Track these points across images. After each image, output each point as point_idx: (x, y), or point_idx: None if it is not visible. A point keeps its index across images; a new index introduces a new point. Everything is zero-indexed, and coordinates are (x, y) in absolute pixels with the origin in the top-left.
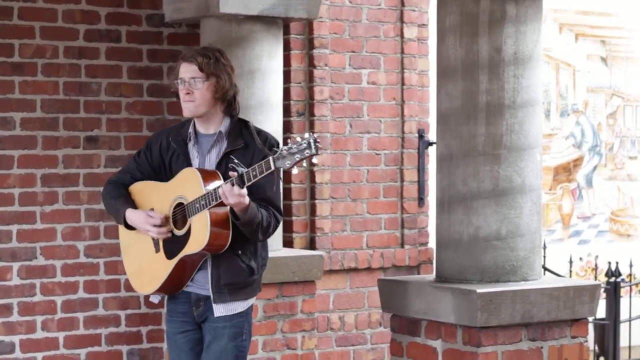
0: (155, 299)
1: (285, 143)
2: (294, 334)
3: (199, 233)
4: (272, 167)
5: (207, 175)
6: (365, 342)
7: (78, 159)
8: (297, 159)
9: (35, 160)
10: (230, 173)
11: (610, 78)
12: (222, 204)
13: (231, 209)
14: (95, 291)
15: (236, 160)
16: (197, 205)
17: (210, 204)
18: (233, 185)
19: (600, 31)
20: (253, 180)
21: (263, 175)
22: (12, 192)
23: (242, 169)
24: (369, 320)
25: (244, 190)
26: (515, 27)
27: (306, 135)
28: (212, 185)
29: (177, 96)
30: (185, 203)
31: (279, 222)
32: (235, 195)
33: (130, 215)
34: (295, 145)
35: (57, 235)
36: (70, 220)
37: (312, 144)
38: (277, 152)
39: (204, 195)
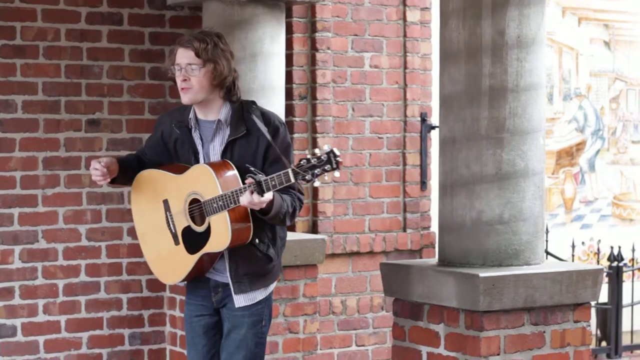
0: (181, 283)
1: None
2: (296, 318)
3: (221, 234)
4: (292, 180)
5: (219, 169)
6: (368, 326)
7: (80, 142)
8: (318, 174)
9: (36, 143)
10: (247, 180)
11: (613, 62)
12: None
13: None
14: (97, 274)
15: (252, 169)
16: (215, 205)
17: (229, 206)
18: (252, 193)
19: (604, 15)
20: (272, 190)
21: (282, 186)
22: (14, 175)
23: (260, 176)
24: (371, 304)
25: (265, 198)
26: (519, 10)
27: (325, 147)
28: (226, 179)
29: (175, 81)
30: (201, 200)
31: (302, 202)
32: (258, 204)
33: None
34: (315, 159)
35: (58, 218)
36: (72, 204)
37: (333, 159)
38: (297, 165)
39: (222, 196)
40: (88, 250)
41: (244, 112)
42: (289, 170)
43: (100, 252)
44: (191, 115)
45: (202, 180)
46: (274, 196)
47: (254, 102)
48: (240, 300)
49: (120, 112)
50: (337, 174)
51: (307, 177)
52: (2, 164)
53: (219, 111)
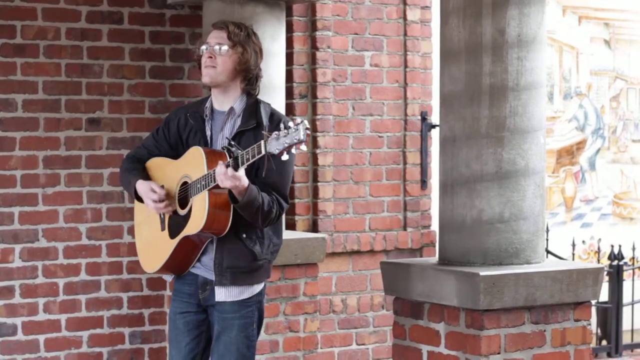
0: (168, 278)
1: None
2: (296, 317)
3: (198, 214)
4: (263, 152)
5: (211, 155)
6: (368, 325)
7: (80, 141)
8: (286, 145)
9: (37, 142)
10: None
11: (613, 61)
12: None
13: (230, 191)
14: (97, 273)
15: (232, 142)
16: (198, 185)
17: (209, 185)
18: (228, 167)
19: (604, 13)
20: (247, 164)
21: (255, 159)
22: (14, 174)
23: (237, 151)
24: (371, 303)
25: (239, 173)
26: (519, 9)
27: (298, 120)
28: (215, 161)
29: (199, 64)
30: (189, 182)
31: (282, 209)
32: (230, 178)
33: (139, 186)
34: (285, 131)
35: (59, 217)
36: (72, 202)
37: (302, 130)
38: (269, 136)
39: (204, 175)
40: (88, 249)
41: (257, 107)
42: (261, 142)
43: (101, 250)
44: (207, 104)
45: (193, 162)
46: (249, 186)
47: (269, 104)
48: (221, 294)
49: (120, 111)
50: (303, 147)
51: (276, 149)
52: (3, 162)
53: (235, 101)
